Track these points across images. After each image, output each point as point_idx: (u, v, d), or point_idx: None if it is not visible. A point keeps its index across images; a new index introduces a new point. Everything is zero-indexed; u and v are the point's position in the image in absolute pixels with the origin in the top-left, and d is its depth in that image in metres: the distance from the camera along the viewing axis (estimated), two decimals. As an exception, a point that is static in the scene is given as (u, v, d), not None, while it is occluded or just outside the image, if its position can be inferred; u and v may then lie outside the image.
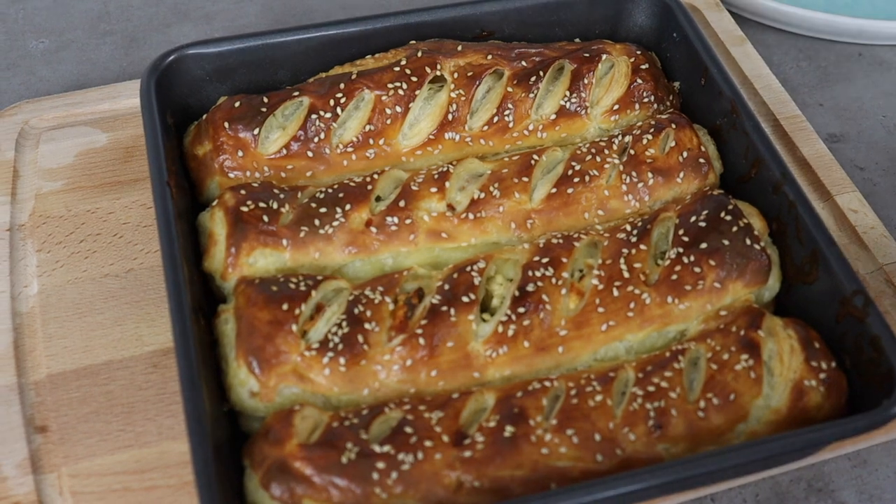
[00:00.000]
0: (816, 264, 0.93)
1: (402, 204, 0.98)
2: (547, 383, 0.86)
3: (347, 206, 0.98)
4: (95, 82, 1.30)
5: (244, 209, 0.96)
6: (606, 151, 1.04)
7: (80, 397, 0.95)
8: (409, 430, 0.82)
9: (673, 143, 1.04)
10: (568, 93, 1.09)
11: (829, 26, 1.35)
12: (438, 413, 0.84)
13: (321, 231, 0.96)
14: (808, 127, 1.20)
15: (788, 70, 1.34)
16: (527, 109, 1.09)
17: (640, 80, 1.11)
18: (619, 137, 1.06)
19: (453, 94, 1.07)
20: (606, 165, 1.03)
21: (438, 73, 1.08)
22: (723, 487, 0.90)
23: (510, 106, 1.08)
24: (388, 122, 1.06)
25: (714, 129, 1.09)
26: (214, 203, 0.99)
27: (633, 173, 1.02)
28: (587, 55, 1.11)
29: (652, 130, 1.05)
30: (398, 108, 1.06)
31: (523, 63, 1.10)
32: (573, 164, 1.03)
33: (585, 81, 1.10)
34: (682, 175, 1.03)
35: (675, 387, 0.85)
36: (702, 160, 1.04)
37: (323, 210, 0.97)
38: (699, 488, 0.90)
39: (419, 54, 1.09)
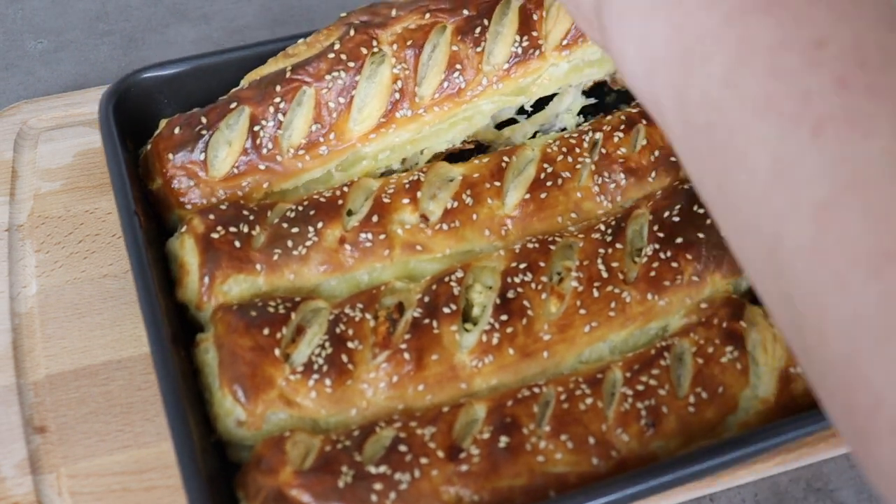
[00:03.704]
0: None
1: (375, 219, 0.97)
2: (536, 389, 0.86)
3: (319, 224, 0.96)
4: (94, 82, 1.29)
5: (215, 236, 0.94)
6: (577, 150, 1.03)
7: (78, 398, 0.95)
8: (403, 448, 0.81)
9: (644, 141, 1.04)
10: (518, 36, 1.04)
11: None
12: (431, 428, 0.83)
13: (295, 252, 0.94)
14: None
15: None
16: (477, 64, 1.03)
17: None
18: (590, 134, 1.05)
19: (396, 70, 1.01)
20: (578, 166, 1.02)
21: (375, 49, 1.02)
22: (722, 487, 0.90)
23: (458, 66, 1.02)
24: (335, 115, 1.01)
25: None
26: (183, 229, 0.96)
27: (605, 173, 1.02)
28: None
29: (622, 127, 1.05)
30: (342, 100, 1.01)
31: (465, 11, 1.03)
32: (545, 165, 1.02)
33: (535, 17, 1.04)
34: (654, 175, 1.03)
35: (664, 384, 0.85)
36: (673, 158, 1.03)
37: (295, 230, 0.95)
38: (701, 480, 0.89)
39: (351, 32, 1.02)
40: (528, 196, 1.00)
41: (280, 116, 1.01)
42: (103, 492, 0.88)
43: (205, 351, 0.89)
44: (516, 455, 0.81)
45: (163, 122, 1.04)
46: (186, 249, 0.95)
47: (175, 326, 0.91)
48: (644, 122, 1.05)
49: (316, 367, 0.86)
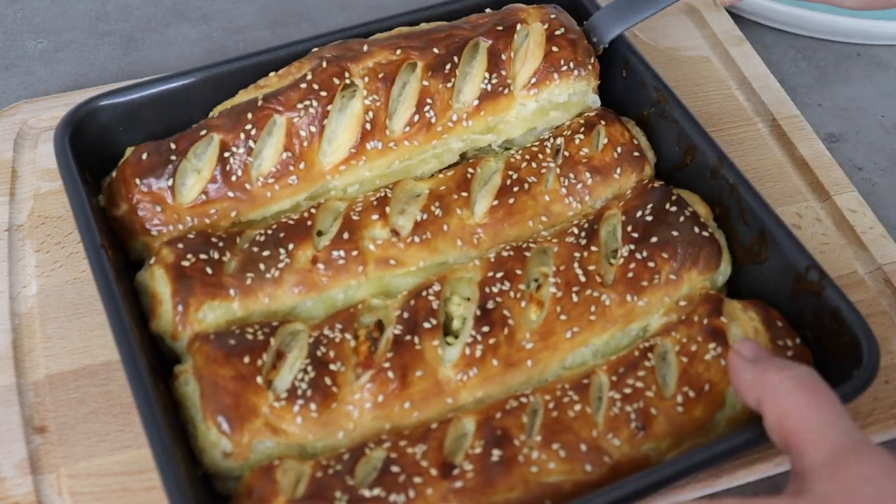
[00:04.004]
0: (765, 244, 0.94)
1: (345, 236, 0.96)
2: (523, 399, 0.85)
3: (290, 246, 0.95)
4: (94, 82, 1.29)
5: (185, 263, 0.92)
6: (541, 156, 1.03)
7: (78, 398, 0.94)
8: (395, 468, 0.80)
9: (605, 140, 1.04)
10: (487, 74, 1.05)
11: (827, 26, 1.35)
12: (421, 446, 0.82)
13: (268, 275, 0.93)
14: (806, 127, 1.21)
15: (787, 70, 1.34)
16: (447, 100, 1.04)
17: (556, 48, 1.06)
18: (551, 141, 1.05)
19: (367, 101, 1.02)
20: (543, 170, 1.02)
21: (348, 81, 1.02)
22: (722, 487, 0.90)
23: (429, 101, 1.03)
24: (306, 144, 1.01)
25: (642, 119, 1.09)
26: (152, 261, 0.95)
27: (571, 175, 1.02)
28: (500, 28, 1.06)
29: (582, 129, 1.05)
30: (312, 129, 1.01)
31: (435, 50, 1.04)
32: (510, 172, 1.02)
33: (503, 58, 1.05)
34: (619, 171, 1.03)
35: (651, 385, 0.85)
36: (636, 153, 1.04)
37: (266, 253, 0.94)
38: (701, 480, 0.90)
39: (324, 64, 1.03)
40: (496, 203, 1.00)
41: (251, 143, 1.00)
42: (103, 492, 0.88)
43: (184, 383, 0.87)
44: (510, 467, 0.80)
45: (129, 150, 1.02)
46: (157, 280, 0.93)
47: (153, 359, 0.89)
48: (603, 122, 1.05)
49: (300, 392, 0.85)
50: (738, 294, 0.97)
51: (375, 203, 0.98)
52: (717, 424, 0.86)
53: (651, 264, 0.93)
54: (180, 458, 0.80)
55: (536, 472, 0.81)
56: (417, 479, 0.79)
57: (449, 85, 1.04)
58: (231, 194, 1.00)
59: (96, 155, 1.04)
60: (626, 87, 1.11)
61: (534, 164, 1.02)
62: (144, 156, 1.00)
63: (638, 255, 0.94)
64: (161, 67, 1.31)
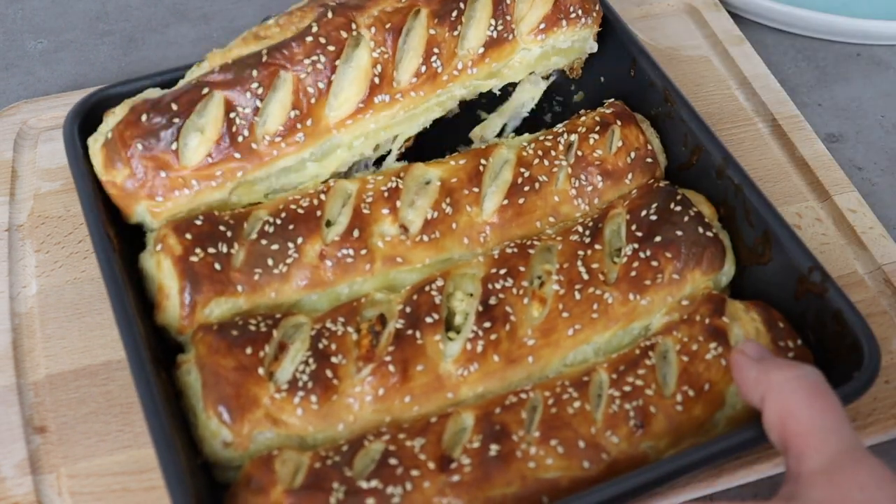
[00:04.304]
0: (769, 245, 0.94)
1: (355, 234, 0.95)
2: (523, 395, 0.86)
3: (299, 240, 0.94)
4: (94, 82, 1.29)
5: (194, 259, 0.91)
6: (553, 152, 1.03)
7: (78, 398, 0.94)
8: (393, 461, 0.80)
9: (620, 143, 1.04)
10: (493, 20, 1.03)
11: (827, 26, 1.35)
12: (420, 440, 0.82)
13: (276, 271, 0.93)
14: (806, 127, 1.21)
15: (787, 70, 1.34)
16: (453, 49, 1.02)
17: None
18: (565, 136, 1.05)
19: (375, 55, 0.99)
20: (554, 169, 1.02)
21: (355, 34, 0.99)
22: (722, 487, 0.90)
23: (436, 50, 1.01)
24: (313, 101, 0.97)
25: (649, 118, 1.09)
26: (158, 248, 0.94)
27: (582, 176, 1.02)
28: None
29: (598, 129, 1.04)
30: (320, 85, 0.97)
31: None
32: (521, 170, 1.01)
33: (508, 1, 1.04)
34: (630, 177, 1.03)
35: (650, 383, 0.85)
36: (649, 160, 1.04)
37: (275, 247, 0.94)
38: (701, 480, 0.90)
39: (329, 14, 0.99)
40: (506, 202, 0.99)
41: (257, 102, 0.96)
42: (103, 492, 0.88)
43: (187, 372, 0.88)
44: (507, 462, 0.81)
45: (125, 106, 0.98)
46: (164, 272, 0.93)
47: (155, 349, 0.89)
48: (618, 123, 1.05)
49: (301, 383, 0.85)
50: (741, 294, 0.97)
51: (386, 194, 0.98)
52: (717, 424, 0.86)
53: (654, 263, 0.93)
54: (181, 447, 0.81)
55: (534, 467, 0.81)
56: (415, 472, 0.80)
57: (455, 33, 1.02)
58: (237, 155, 0.96)
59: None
60: (634, 86, 1.11)
61: (546, 162, 1.02)
62: (143, 117, 0.96)
63: (641, 255, 0.94)
64: (161, 67, 1.31)
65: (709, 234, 0.96)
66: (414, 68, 1.01)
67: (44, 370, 0.96)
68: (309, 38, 0.98)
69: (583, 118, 1.08)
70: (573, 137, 1.05)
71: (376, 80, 1.00)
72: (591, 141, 1.04)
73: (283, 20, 1.00)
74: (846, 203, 1.12)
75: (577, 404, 0.84)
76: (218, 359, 0.86)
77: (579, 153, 1.03)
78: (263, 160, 0.98)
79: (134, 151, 0.95)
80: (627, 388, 0.85)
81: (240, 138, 0.96)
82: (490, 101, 1.16)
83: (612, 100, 1.10)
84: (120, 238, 0.96)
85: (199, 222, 0.94)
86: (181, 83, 1.00)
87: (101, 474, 0.89)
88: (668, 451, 0.84)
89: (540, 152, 1.03)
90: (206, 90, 0.97)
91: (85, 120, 1.02)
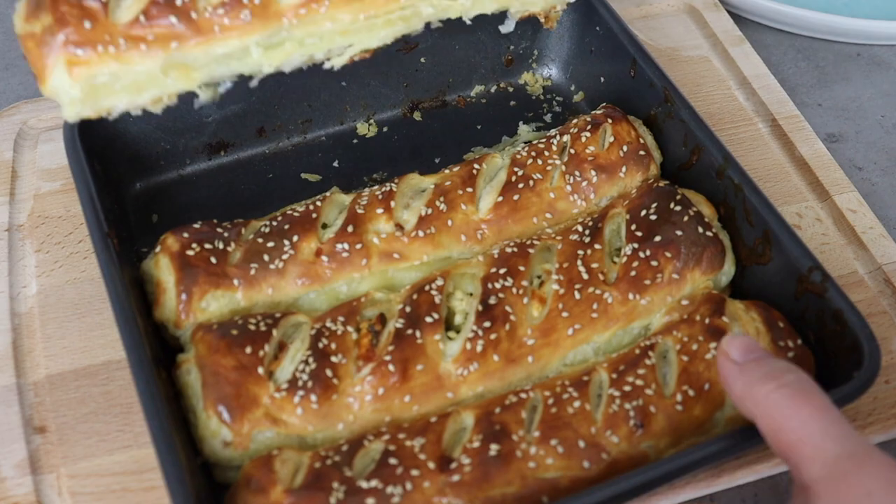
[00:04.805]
0: (769, 245, 0.94)
1: (350, 229, 0.96)
2: (523, 395, 0.86)
3: (295, 238, 0.95)
4: (94, 82, 1.29)
5: (190, 253, 0.93)
6: (546, 153, 1.03)
7: (78, 398, 0.94)
8: (393, 461, 0.81)
9: (612, 139, 1.04)
10: None
11: (827, 26, 1.35)
12: (420, 439, 0.82)
13: (272, 266, 0.93)
14: (806, 127, 1.21)
15: (787, 70, 1.34)
16: None
17: None
18: (557, 138, 1.05)
19: None
20: (549, 167, 1.02)
21: None
22: (722, 487, 0.90)
23: None
24: None
25: (649, 118, 1.09)
26: (157, 249, 0.95)
27: (576, 172, 1.02)
28: None
29: (589, 128, 1.05)
30: None
31: None
32: (515, 169, 1.02)
33: None
34: (624, 169, 1.03)
35: (650, 383, 0.85)
36: (642, 152, 1.04)
37: (271, 244, 0.94)
38: (701, 480, 0.90)
39: None
40: (500, 199, 1.00)
41: None
42: (103, 492, 0.88)
43: (187, 372, 0.88)
44: (507, 462, 0.81)
45: None
46: (162, 268, 0.94)
47: (155, 349, 0.89)
48: (609, 121, 1.05)
49: (300, 383, 0.85)
50: (741, 294, 0.97)
51: (380, 197, 0.99)
52: (717, 424, 0.86)
53: (654, 263, 0.93)
54: (181, 447, 0.81)
55: (534, 467, 0.81)
56: (415, 472, 0.80)
57: None
58: (174, 19, 0.85)
59: (105, 144, 1.05)
60: (634, 86, 1.11)
61: (539, 161, 1.03)
62: None
63: (641, 254, 0.94)
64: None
65: (708, 233, 0.96)
66: None
67: (44, 370, 0.96)
68: None
69: (574, 121, 1.08)
70: (566, 138, 1.05)
71: None
72: (584, 139, 1.04)
73: None
74: (846, 203, 1.12)
75: (577, 404, 0.84)
76: (218, 358, 0.86)
77: (572, 151, 1.03)
78: (202, 34, 0.86)
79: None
80: (627, 388, 0.85)
81: (178, 1, 0.85)
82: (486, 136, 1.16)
83: (605, 104, 1.11)
84: (119, 238, 0.97)
85: (197, 226, 0.96)
86: None
87: (101, 474, 0.89)
88: (668, 451, 0.84)
89: (534, 153, 1.04)
90: None
91: (85, 120, 1.02)
